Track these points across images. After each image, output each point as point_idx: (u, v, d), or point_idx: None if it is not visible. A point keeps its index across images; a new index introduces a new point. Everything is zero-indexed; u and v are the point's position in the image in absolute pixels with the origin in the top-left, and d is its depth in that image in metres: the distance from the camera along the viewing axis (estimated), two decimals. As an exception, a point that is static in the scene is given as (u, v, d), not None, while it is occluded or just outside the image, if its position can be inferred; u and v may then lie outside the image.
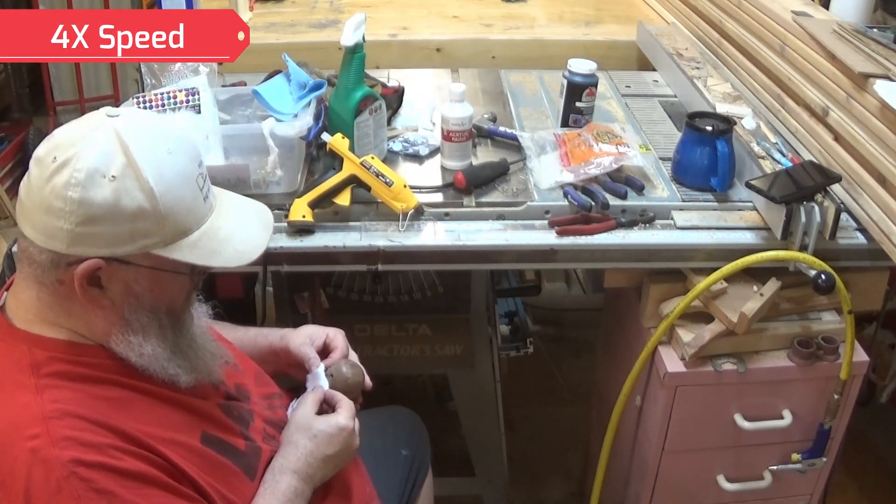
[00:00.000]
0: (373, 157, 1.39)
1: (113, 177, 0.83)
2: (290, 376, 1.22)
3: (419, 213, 1.39)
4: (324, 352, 1.20)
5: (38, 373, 0.86)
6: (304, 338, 1.20)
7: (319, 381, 1.14)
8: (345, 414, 1.08)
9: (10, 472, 0.81)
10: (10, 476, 0.81)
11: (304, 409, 1.08)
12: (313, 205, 1.35)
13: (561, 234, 1.37)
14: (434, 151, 1.58)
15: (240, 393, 1.08)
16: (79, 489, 0.80)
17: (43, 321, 0.89)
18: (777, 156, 1.47)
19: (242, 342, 1.21)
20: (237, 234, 0.95)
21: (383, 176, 1.36)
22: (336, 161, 1.39)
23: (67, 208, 0.82)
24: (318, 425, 1.06)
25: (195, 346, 0.97)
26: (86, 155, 0.83)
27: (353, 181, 1.37)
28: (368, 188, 1.37)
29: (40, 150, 0.86)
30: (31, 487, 0.80)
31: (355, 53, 1.42)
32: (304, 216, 1.34)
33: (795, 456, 1.42)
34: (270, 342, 1.21)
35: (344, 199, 1.37)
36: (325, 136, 1.40)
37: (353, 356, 1.22)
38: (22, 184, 0.87)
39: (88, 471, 0.81)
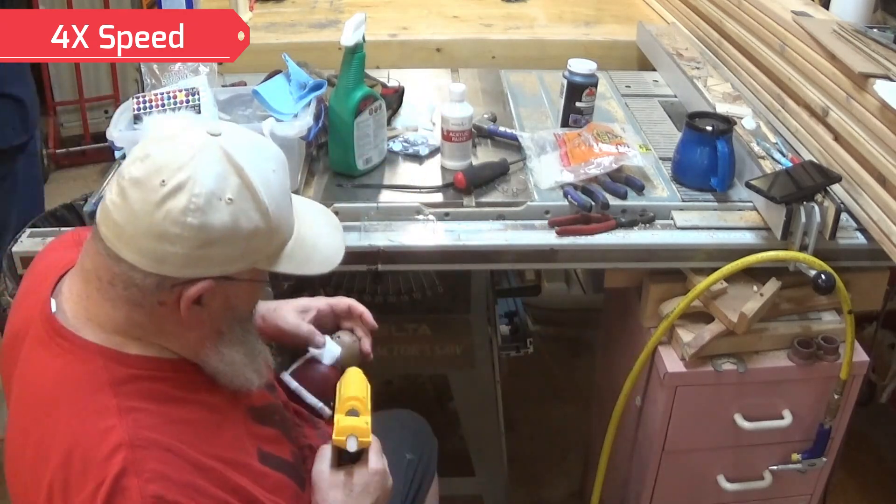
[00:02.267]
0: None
1: (230, 199, 0.82)
2: (278, 344, 1.21)
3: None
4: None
5: (120, 392, 0.84)
6: (299, 313, 1.20)
7: (329, 346, 1.17)
8: (373, 457, 1.02)
9: (93, 498, 0.79)
10: (88, 500, 0.79)
11: (325, 465, 1.00)
12: None
13: (561, 234, 1.37)
14: (434, 151, 1.58)
15: (269, 385, 1.07)
16: None
17: (127, 336, 0.87)
18: (777, 156, 1.47)
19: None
20: (319, 240, 0.96)
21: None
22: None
23: (185, 234, 0.80)
24: (350, 479, 1.00)
25: (259, 347, 0.98)
26: (201, 179, 0.80)
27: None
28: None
29: (137, 172, 0.81)
30: None
31: (355, 53, 1.42)
32: None
33: (795, 456, 1.42)
34: (262, 314, 1.19)
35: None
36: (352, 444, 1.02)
37: (339, 303, 1.23)
38: (112, 205, 0.82)
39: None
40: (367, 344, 1.23)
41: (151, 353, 0.88)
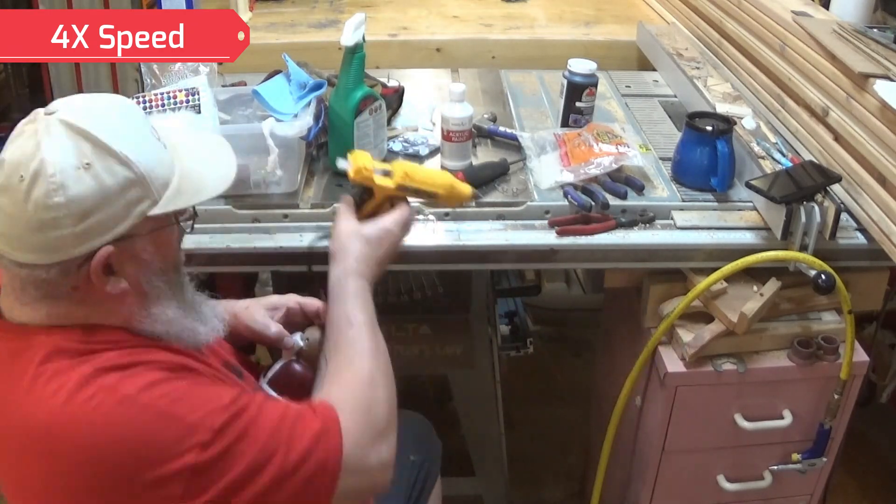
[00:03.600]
0: (405, 174, 1.14)
1: (87, 164, 0.82)
2: (246, 340, 1.22)
3: (475, 197, 1.26)
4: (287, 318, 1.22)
5: (67, 355, 0.84)
6: (268, 311, 1.20)
7: (297, 347, 1.17)
8: (388, 218, 1.12)
9: (84, 452, 0.80)
10: (88, 455, 0.80)
11: (346, 220, 1.12)
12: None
13: (561, 234, 1.37)
14: (434, 151, 1.58)
15: (233, 372, 1.07)
16: (159, 405, 0.82)
17: (62, 327, 0.87)
18: (777, 156, 1.47)
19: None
20: (206, 166, 0.96)
21: (425, 192, 1.16)
22: (361, 187, 1.16)
23: (60, 214, 0.81)
24: (365, 229, 1.10)
25: (199, 299, 0.99)
26: (51, 158, 0.81)
27: (391, 201, 1.17)
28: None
29: None
30: (119, 446, 0.81)
31: (355, 53, 1.42)
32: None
33: (795, 456, 1.42)
34: (235, 312, 1.20)
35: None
36: (342, 164, 1.15)
37: (310, 304, 1.23)
38: None
39: (160, 386, 0.83)
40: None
41: (90, 324, 0.88)
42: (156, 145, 0.90)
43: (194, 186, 0.92)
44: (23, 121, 0.87)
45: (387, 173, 1.14)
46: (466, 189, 1.18)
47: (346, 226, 1.11)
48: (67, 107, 0.87)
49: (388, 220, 1.12)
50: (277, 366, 1.17)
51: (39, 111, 0.87)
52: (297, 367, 1.17)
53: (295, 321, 1.22)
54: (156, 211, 0.88)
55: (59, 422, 0.81)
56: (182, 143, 0.97)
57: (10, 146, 0.85)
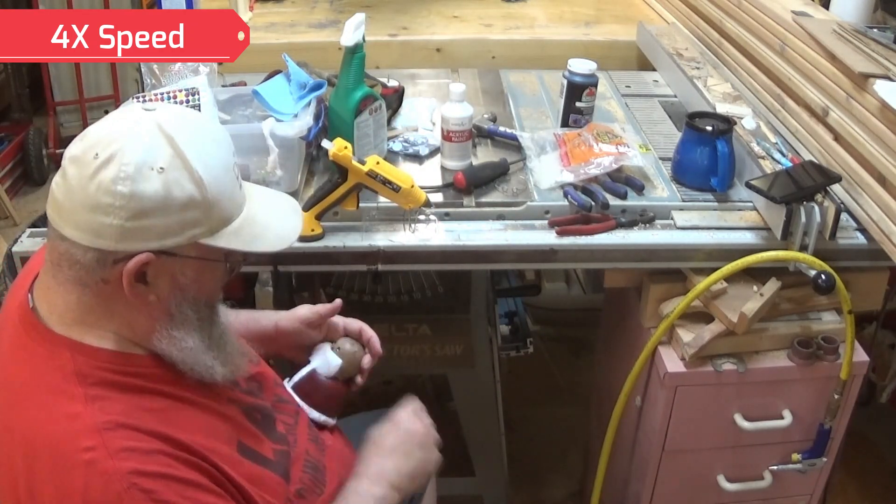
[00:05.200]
0: (377, 163, 1.34)
1: (161, 168, 0.82)
2: (282, 357, 1.23)
3: (427, 205, 1.37)
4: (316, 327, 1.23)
5: (85, 382, 0.84)
6: (300, 319, 1.21)
7: (329, 358, 1.17)
8: (402, 413, 1.13)
9: (65, 487, 0.79)
10: (65, 491, 0.79)
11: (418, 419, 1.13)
12: (320, 216, 1.35)
13: (561, 234, 1.37)
14: (434, 151, 1.58)
15: (254, 386, 1.07)
16: (139, 501, 0.79)
17: (83, 324, 0.87)
18: (777, 156, 1.47)
19: (235, 326, 1.22)
20: (272, 220, 0.95)
21: (390, 183, 1.33)
22: (339, 169, 1.34)
23: (117, 203, 0.81)
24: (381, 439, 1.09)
25: (226, 338, 0.97)
26: (131, 149, 0.82)
27: (360, 189, 1.35)
28: (375, 192, 1.36)
29: (75, 150, 0.84)
30: (89, 501, 0.79)
31: (355, 53, 1.42)
32: (313, 230, 1.34)
33: (795, 456, 1.42)
34: (263, 326, 1.21)
35: (351, 205, 1.36)
36: (326, 144, 1.33)
37: (352, 323, 1.24)
38: (55, 185, 0.84)
39: (149, 481, 0.80)
40: (367, 360, 1.22)
41: (113, 345, 0.88)
42: (232, 181, 0.90)
43: (253, 234, 0.91)
44: (122, 106, 0.88)
45: (362, 162, 1.32)
46: (422, 195, 1.35)
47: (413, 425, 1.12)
48: (166, 110, 0.88)
49: (401, 415, 1.13)
50: (304, 372, 1.18)
51: (138, 104, 0.88)
52: (322, 376, 1.19)
53: (331, 335, 1.24)
54: (207, 241, 0.87)
55: (53, 447, 0.81)
56: (259, 192, 0.97)
57: (99, 123, 0.87)
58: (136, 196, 0.81)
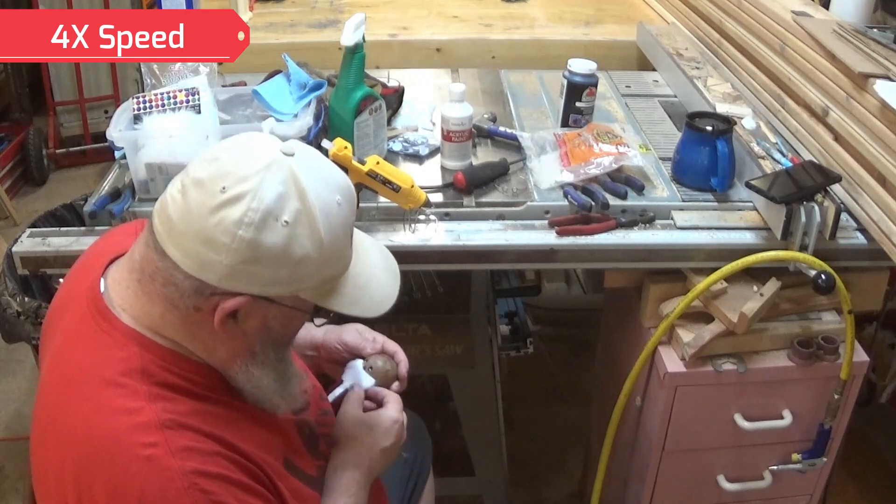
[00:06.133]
0: (378, 163, 1.34)
1: (286, 222, 0.80)
2: (323, 372, 1.22)
3: (427, 205, 1.37)
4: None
5: (150, 380, 0.83)
6: (342, 343, 1.19)
7: (361, 377, 1.16)
8: (395, 407, 1.09)
9: (121, 482, 0.79)
10: (120, 486, 0.79)
11: (352, 408, 1.09)
12: None
13: (561, 234, 1.37)
14: (434, 151, 1.58)
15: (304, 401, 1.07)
16: (199, 500, 0.79)
17: (157, 334, 0.86)
18: (777, 156, 1.47)
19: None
20: (372, 282, 0.94)
21: (390, 183, 1.33)
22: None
23: (234, 245, 0.79)
24: (373, 419, 1.07)
25: (291, 371, 0.97)
26: (262, 195, 0.79)
27: (360, 189, 1.34)
28: (375, 192, 1.36)
29: (202, 173, 0.81)
30: (146, 497, 0.78)
31: (355, 53, 1.42)
32: None
33: (795, 456, 1.42)
34: (313, 334, 1.20)
35: None
36: (326, 144, 1.33)
37: (389, 343, 1.22)
38: (171, 200, 0.82)
39: (209, 482, 0.80)
40: (396, 385, 1.19)
41: (181, 352, 0.87)
42: (347, 241, 0.90)
43: (352, 296, 0.91)
44: (259, 138, 0.86)
45: (362, 161, 1.33)
46: (422, 195, 1.36)
47: (354, 416, 1.08)
48: (304, 157, 0.85)
49: (393, 409, 1.09)
50: (339, 391, 1.16)
51: (278, 143, 0.85)
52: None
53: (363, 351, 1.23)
54: (309, 297, 0.87)
55: (110, 440, 0.80)
56: (364, 244, 0.97)
57: (232, 149, 0.84)
58: (255, 244, 0.80)
